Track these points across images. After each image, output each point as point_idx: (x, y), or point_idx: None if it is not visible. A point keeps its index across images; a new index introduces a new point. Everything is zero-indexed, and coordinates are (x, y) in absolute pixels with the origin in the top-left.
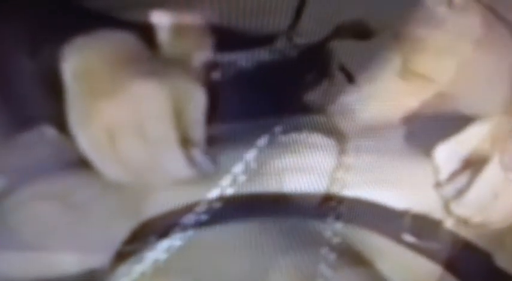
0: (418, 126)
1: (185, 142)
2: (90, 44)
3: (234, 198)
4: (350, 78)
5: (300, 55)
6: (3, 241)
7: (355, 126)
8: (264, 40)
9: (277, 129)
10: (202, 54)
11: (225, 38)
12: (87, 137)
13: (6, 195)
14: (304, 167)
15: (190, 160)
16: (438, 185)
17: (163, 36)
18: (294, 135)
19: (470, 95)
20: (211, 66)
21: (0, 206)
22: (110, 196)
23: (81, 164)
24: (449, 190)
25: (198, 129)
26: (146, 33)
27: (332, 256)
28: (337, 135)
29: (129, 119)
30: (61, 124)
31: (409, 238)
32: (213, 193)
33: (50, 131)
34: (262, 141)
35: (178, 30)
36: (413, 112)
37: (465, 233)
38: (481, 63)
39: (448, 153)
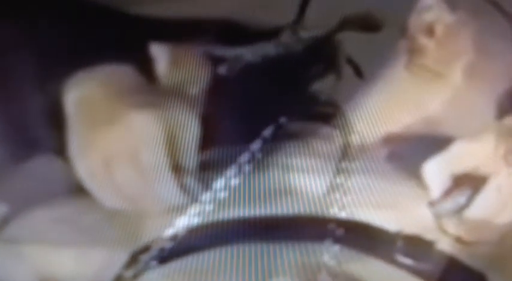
0: (404, 148)
1: (178, 169)
2: (90, 77)
3: (228, 222)
4: (357, 71)
5: (306, 48)
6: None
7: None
8: (270, 34)
9: (283, 121)
10: (198, 85)
11: (231, 32)
12: (84, 165)
13: (8, 221)
14: (309, 159)
15: (183, 187)
16: (431, 203)
17: (161, 68)
18: (299, 127)
19: (456, 119)
20: (217, 60)
21: (4, 232)
22: (113, 221)
23: (85, 190)
24: (443, 208)
25: (191, 157)
26: (145, 66)
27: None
28: (342, 127)
29: (124, 148)
30: (63, 153)
31: (402, 259)
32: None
33: (54, 159)
34: (268, 132)
35: (175, 63)
36: (397, 134)
37: (458, 253)
38: (469, 89)
39: (437, 170)
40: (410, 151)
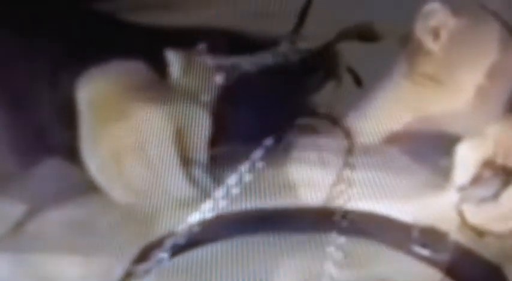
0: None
1: (188, 163)
2: (103, 74)
3: (235, 214)
4: (357, 81)
5: (303, 59)
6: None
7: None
8: (268, 43)
9: (281, 132)
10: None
11: (229, 41)
12: (95, 160)
13: (26, 222)
14: (311, 168)
15: (193, 181)
16: (460, 188)
17: (174, 72)
18: (298, 138)
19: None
20: (215, 69)
21: (20, 232)
22: (125, 220)
23: (97, 191)
24: (472, 195)
25: (201, 151)
26: (158, 64)
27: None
28: (343, 137)
29: (134, 143)
30: (76, 153)
31: (418, 249)
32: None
33: (65, 161)
34: (269, 142)
35: (188, 69)
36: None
37: (474, 244)
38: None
39: (469, 153)
40: (416, 149)
